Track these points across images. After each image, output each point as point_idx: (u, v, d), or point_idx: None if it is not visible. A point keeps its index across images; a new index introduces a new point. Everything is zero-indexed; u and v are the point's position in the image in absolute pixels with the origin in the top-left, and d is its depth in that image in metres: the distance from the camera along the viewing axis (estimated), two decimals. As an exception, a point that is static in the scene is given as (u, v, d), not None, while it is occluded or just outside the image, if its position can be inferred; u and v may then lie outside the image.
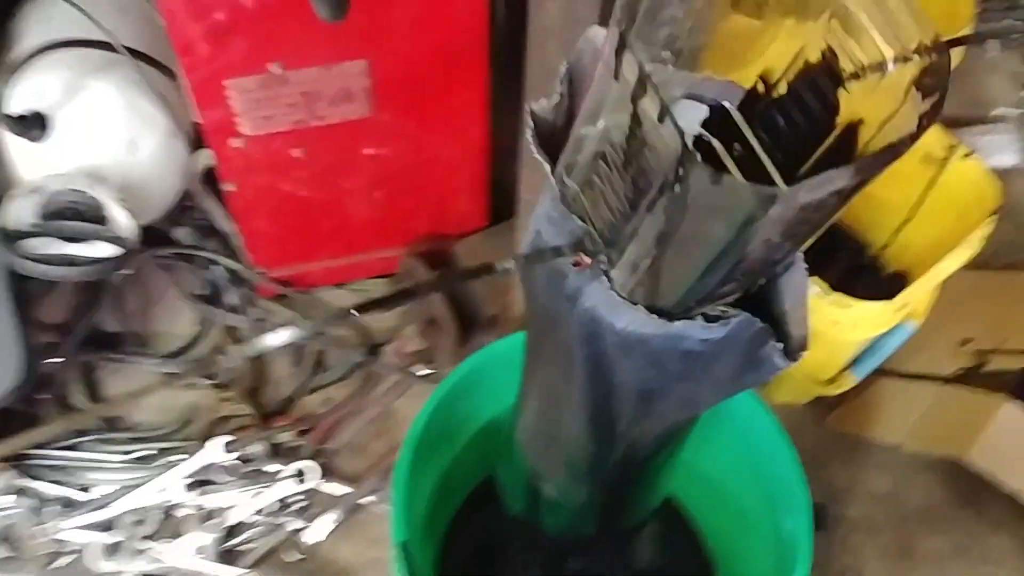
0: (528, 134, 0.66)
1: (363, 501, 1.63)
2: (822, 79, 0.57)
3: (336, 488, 1.64)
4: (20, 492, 1.58)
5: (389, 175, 1.62)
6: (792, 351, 0.65)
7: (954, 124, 2.24)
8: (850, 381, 1.64)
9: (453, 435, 1.32)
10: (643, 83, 0.49)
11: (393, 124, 1.51)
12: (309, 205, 1.63)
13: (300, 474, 1.62)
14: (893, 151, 0.50)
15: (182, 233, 1.81)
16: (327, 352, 1.79)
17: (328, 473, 1.65)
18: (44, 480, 1.60)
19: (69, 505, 1.59)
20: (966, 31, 1.72)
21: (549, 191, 0.66)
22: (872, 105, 0.54)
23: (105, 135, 1.52)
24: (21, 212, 1.43)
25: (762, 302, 0.67)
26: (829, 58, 0.56)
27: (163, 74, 1.60)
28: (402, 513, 1.10)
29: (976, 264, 1.57)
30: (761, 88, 0.60)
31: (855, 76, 0.54)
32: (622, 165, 0.56)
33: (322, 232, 1.71)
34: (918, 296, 1.50)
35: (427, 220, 1.76)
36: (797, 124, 0.59)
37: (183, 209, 1.82)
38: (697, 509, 1.49)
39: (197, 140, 1.62)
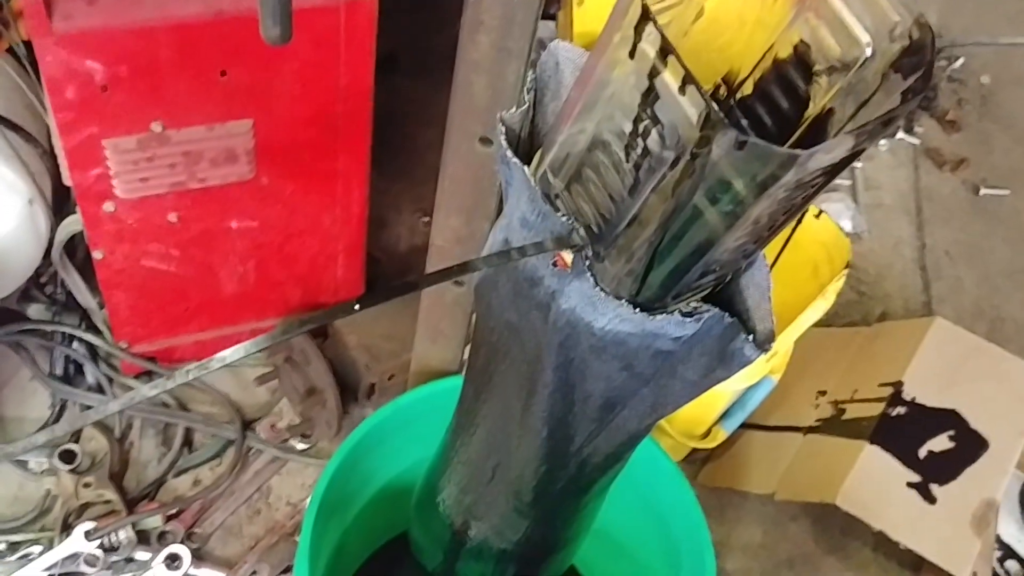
0: (501, 139, 0.67)
1: (240, 585, 1.55)
2: (793, 74, 0.61)
3: (211, 574, 1.55)
4: None
5: (265, 242, 1.59)
6: (760, 343, 0.68)
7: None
8: (721, 435, 1.70)
9: (352, 499, 1.28)
10: (664, 53, 0.52)
11: (274, 187, 1.49)
12: (180, 275, 1.57)
13: (172, 560, 1.52)
14: (886, 121, 0.54)
15: (36, 310, 1.71)
16: (195, 431, 1.70)
17: (201, 559, 1.56)
18: None
19: (-94, 610, 1.43)
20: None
21: (526, 194, 0.67)
22: (843, 93, 0.59)
23: (-40, 201, 1.43)
24: None
25: (725, 303, 0.70)
26: (802, 51, 0.60)
27: (24, 140, 1.53)
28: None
29: (822, 323, 1.69)
30: (723, 91, 0.65)
31: (830, 70, 0.59)
32: (623, 151, 0.59)
33: (192, 304, 1.65)
34: (783, 347, 1.59)
35: (302, 290, 1.73)
36: (764, 123, 0.63)
37: (37, 284, 1.72)
38: (587, 568, 1.49)
39: (59, 208, 1.55)
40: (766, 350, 0.69)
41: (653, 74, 0.54)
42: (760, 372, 1.59)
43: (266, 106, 1.37)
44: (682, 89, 0.52)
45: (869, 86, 0.57)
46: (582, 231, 0.66)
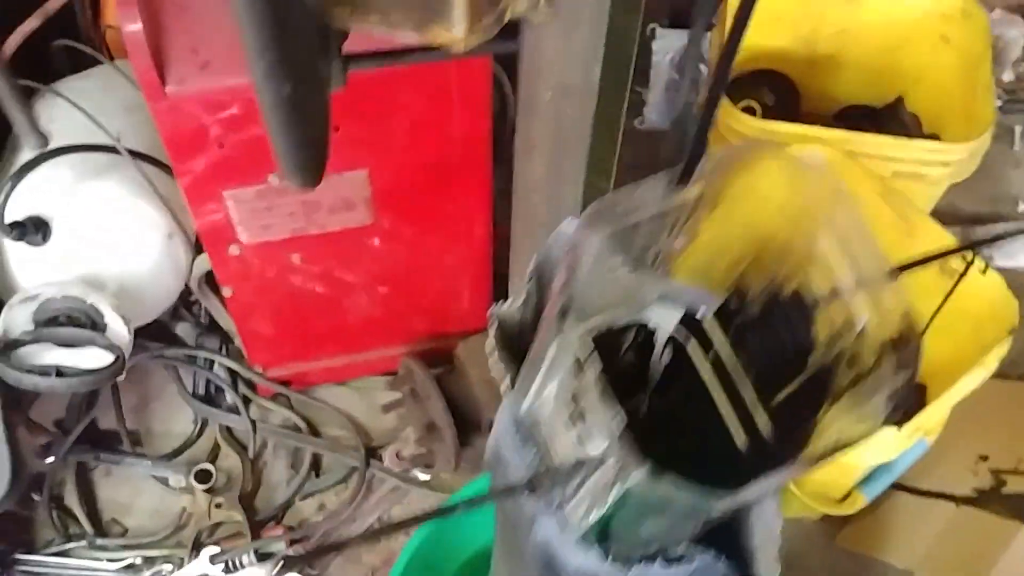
0: (490, 336, 0.63)
1: (356, 614, 1.58)
2: (793, 313, 0.54)
3: (327, 601, 1.60)
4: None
5: (389, 278, 1.59)
6: None
7: (975, 221, 2.21)
8: (861, 501, 1.58)
9: (440, 567, 1.27)
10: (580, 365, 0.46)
11: (394, 230, 1.49)
12: (307, 308, 1.61)
13: (290, 586, 1.57)
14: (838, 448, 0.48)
15: (183, 328, 1.79)
16: (323, 456, 1.75)
17: (320, 585, 1.61)
18: (30, 589, 1.56)
19: (54, 615, 1.55)
20: (987, 131, 1.69)
21: (509, 409, 0.63)
22: (847, 358, 0.51)
23: (105, 238, 1.50)
24: (15, 320, 1.42)
25: (732, 532, 0.62)
26: (799, 296, 0.53)
27: (166, 173, 1.59)
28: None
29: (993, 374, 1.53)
30: (735, 303, 0.57)
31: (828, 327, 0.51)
32: (568, 416, 0.53)
33: (321, 333, 1.68)
34: (938, 415, 1.45)
35: (428, 320, 1.73)
36: (769, 351, 0.56)
37: (187, 303, 1.80)
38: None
39: (198, 241, 1.61)
40: None
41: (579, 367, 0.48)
42: (901, 446, 1.45)
43: (381, 157, 1.36)
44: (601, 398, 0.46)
45: (866, 362, 0.49)
46: (550, 469, 0.60)
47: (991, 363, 1.43)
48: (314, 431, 1.77)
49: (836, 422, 0.54)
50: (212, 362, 1.77)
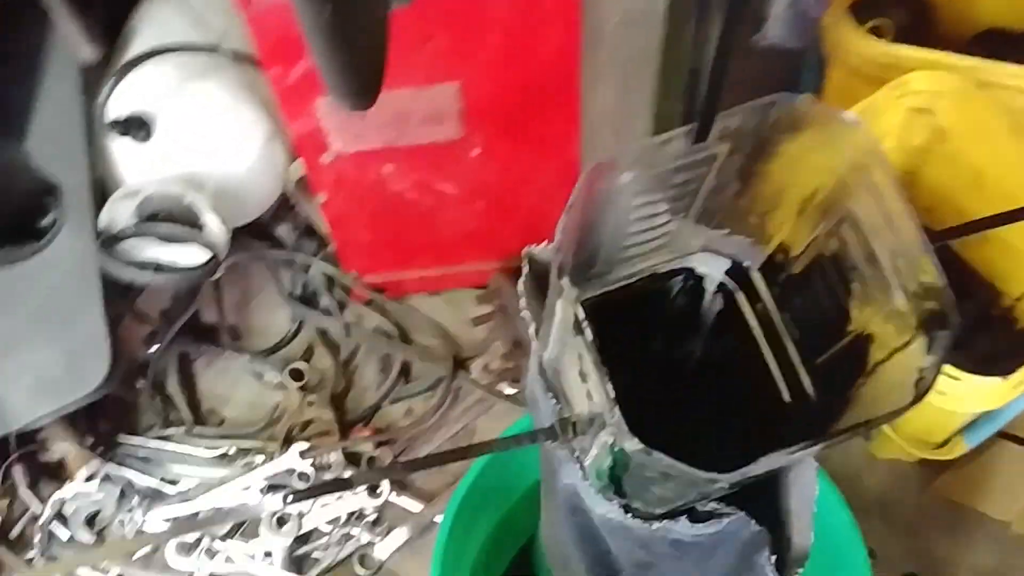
0: (521, 282, 0.60)
1: (436, 519, 1.61)
2: (831, 278, 0.49)
3: (410, 504, 1.63)
4: (108, 479, 1.63)
5: (481, 194, 1.57)
6: (789, 564, 0.57)
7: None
8: (961, 447, 1.50)
9: (513, 484, 1.27)
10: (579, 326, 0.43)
11: (484, 147, 1.46)
12: (400, 218, 1.60)
13: (374, 488, 1.61)
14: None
15: (283, 229, 1.82)
16: (414, 363, 1.77)
17: (403, 488, 1.64)
18: (133, 469, 1.65)
19: (154, 496, 1.64)
20: None
21: (535, 354, 0.60)
22: (884, 328, 0.47)
23: (207, 138, 1.53)
24: (119, 215, 1.46)
25: (768, 492, 0.59)
26: (840, 262, 0.48)
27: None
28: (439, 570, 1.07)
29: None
30: (780, 258, 0.53)
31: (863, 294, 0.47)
32: (578, 372, 0.50)
33: (414, 243, 1.68)
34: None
35: (520, 237, 1.69)
36: (810, 313, 0.52)
37: (287, 206, 1.83)
38: None
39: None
40: (792, 574, 0.58)
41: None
42: (1006, 397, 1.37)
43: (472, 71, 1.32)
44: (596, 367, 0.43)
45: (899, 338, 0.44)
46: (569, 421, 0.57)
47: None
48: (405, 338, 1.79)
49: (872, 393, 0.50)
50: (309, 265, 1.80)
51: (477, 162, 1.49)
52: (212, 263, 1.45)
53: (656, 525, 0.56)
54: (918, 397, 0.44)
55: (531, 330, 0.61)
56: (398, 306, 1.81)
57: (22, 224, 1.57)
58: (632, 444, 0.43)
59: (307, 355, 1.79)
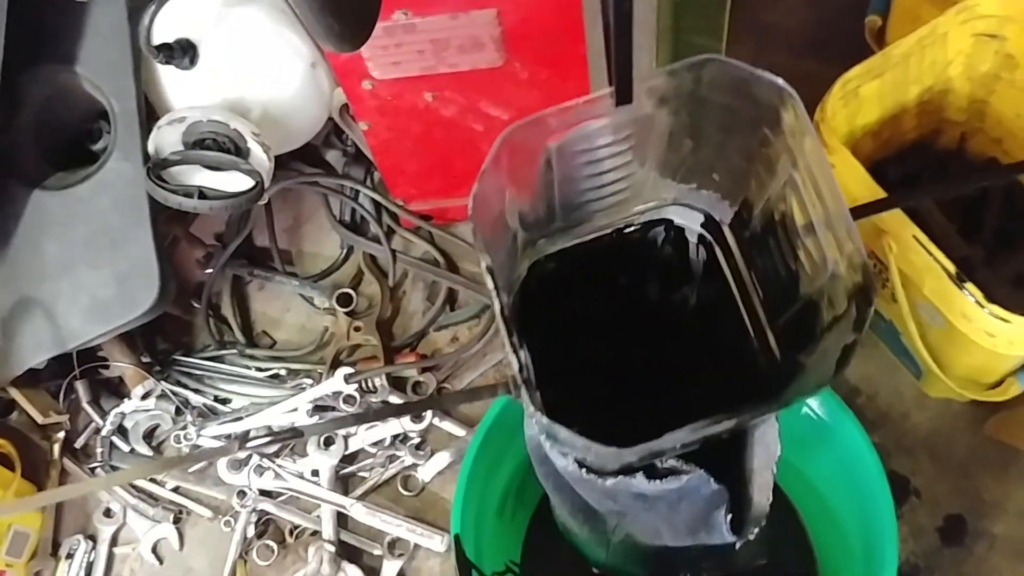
0: (472, 234, 0.59)
1: (477, 445, 1.64)
2: (782, 241, 0.47)
3: (453, 428, 1.66)
4: (164, 396, 1.69)
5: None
6: (746, 522, 0.56)
7: None
8: (1015, 389, 1.46)
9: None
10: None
11: (526, 73, 1.43)
12: (444, 145, 1.60)
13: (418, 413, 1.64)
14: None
15: (333, 155, 1.83)
16: (459, 291, 1.78)
17: (446, 413, 1.67)
18: (188, 388, 1.71)
19: (207, 414, 1.69)
20: None
21: (496, 305, 0.59)
22: (826, 297, 0.45)
23: (250, 65, 1.53)
24: (165, 140, 1.48)
25: (732, 450, 0.58)
26: (787, 225, 0.46)
27: (311, 3, 1.58)
28: (460, 506, 1.09)
29: None
30: (745, 215, 0.51)
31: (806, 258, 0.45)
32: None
33: (459, 171, 1.67)
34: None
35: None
36: (770, 273, 0.50)
37: (337, 131, 1.83)
38: (807, 515, 1.40)
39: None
40: (745, 536, 0.56)
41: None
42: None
43: (509, -5, 1.29)
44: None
45: (840, 304, 0.42)
46: (527, 370, 0.56)
47: None
48: (452, 266, 1.80)
49: (817, 360, 0.49)
50: (358, 192, 1.81)
51: (519, 91, 1.46)
52: (256, 190, 1.47)
53: (612, 481, 0.56)
54: (837, 372, 0.43)
55: (489, 283, 0.60)
56: (444, 234, 1.81)
57: (76, 149, 1.61)
58: (538, 416, 0.43)
59: (355, 281, 1.81)
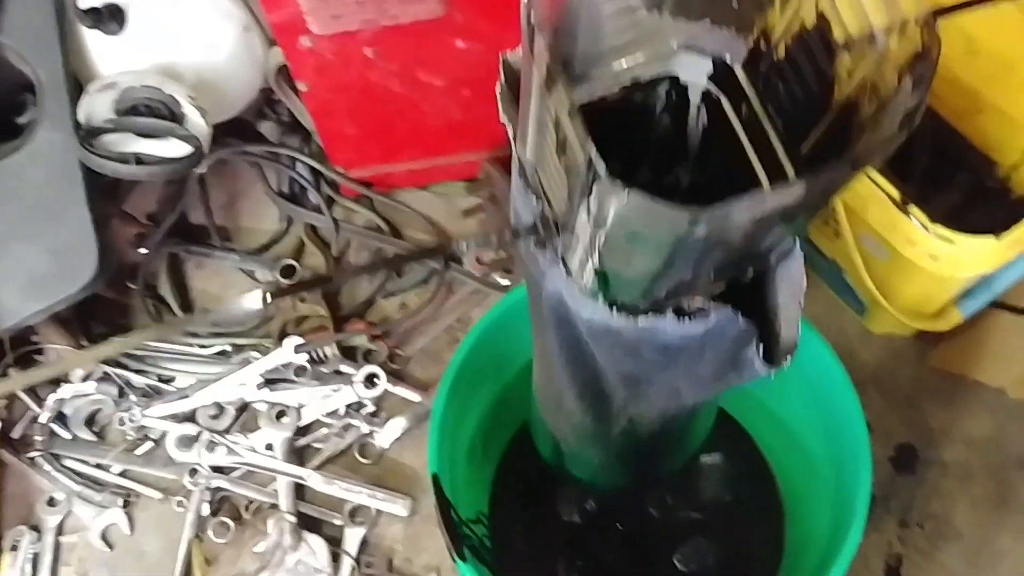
0: (498, 88, 0.58)
1: (433, 408, 1.62)
2: (816, 47, 0.47)
3: (407, 394, 1.64)
4: (105, 378, 1.63)
5: (468, 78, 1.54)
6: (778, 355, 0.56)
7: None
8: (956, 318, 1.51)
9: (509, 357, 1.27)
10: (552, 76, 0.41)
11: (468, 25, 1.42)
12: (385, 107, 1.58)
13: (372, 378, 1.61)
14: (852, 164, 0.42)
15: (267, 127, 1.79)
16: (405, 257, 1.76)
17: (400, 379, 1.65)
18: (129, 369, 1.65)
19: (152, 394, 1.64)
20: None
21: (515, 157, 0.59)
22: (871, 83, 0.45)
23: (181, 29, 1.50)
24: (97, 108, 1.44)
25: (756, 293, 0.58)
26: (822, 24, 0.46)
27: (242, -35, 1.55)
28: (436, 445, 1.07)
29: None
30: (763, 46, 0.51)
31: (847, 47, 0.45)
32: (555, 148, 0.49)
33: (401, 135, 1.66)
34: (1032, 232, 1.35)
35: (511, 124, 1.68)
36: (795, 93, 0.50)
37: (270, 102, 1.80)
38: (768, 448, 1.42)
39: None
40: (779, 366, 0.57)
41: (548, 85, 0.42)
42: (1000, 259, 1.36)
43: (450, -60, 1.28)
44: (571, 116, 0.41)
45: (888, 85, 0.42)
46: (551, 217, 0.56)
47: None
48: (396, 233, 1.78)
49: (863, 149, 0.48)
50: (295, 161, 1.77)
51: (461, 44, 1.45)
52: (195, 155, 1.43)
53: (643, 323, 0.55)
54: (904, 131, 0.42)
55: (509, 133, 0.59)
56: (387, 201, 1.79)
57: (2, 122, 1.55)
58: (616, 191, 0.42)
59: (297, 253, 1.78)
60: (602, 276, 0.54)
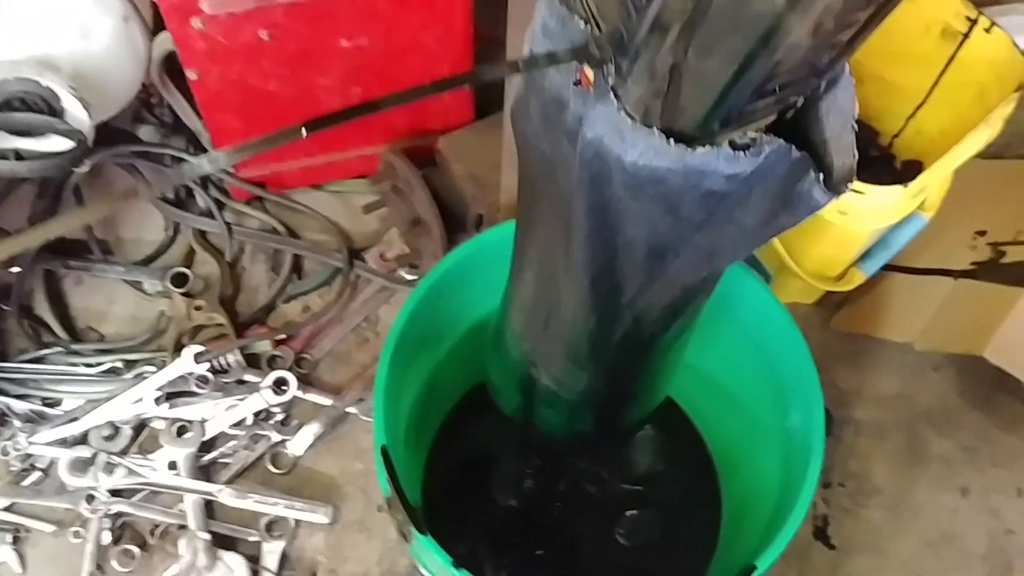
0: None
1: (349, 410, 1.54)
2: None
3: (318, 399, 1.55)
4: (-19, 407, 1.48)
5: (365, 65, 1.50)
6: (836, 184, 0.55)
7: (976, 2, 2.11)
8: (859, 278, 1.55)
9: (439, 336, 1.23)
10: None
11: (366, 4, 1.38)
12: (280, 98, 1.51)
13: (279, 385, 1.52)
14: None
15: (146, 131, 1.69)
16: (305, 258, 1.68)
17: (309, 384, 1.56)
18: (8, 394, 1.50)
19: (37, 420, 1.50)
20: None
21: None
22: None
23: (56, 18, 1.39)
24: (-35, 102, 1.31)
25: (798, 131, 0.56)
26: None
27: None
28: (382, 417, 1.01)
29: (990, 154, 1.49)
30: None
31: None
32: None
33: (296, 128, 1.59)
34: (936, 180, 1.41)
35: (408, 116, 1.64)
36: None
37: (147, 106, 1.70)
38: (697, 412, 1.41)
39: (156, 26, 1.49)
40: (840, 192, 0.56)
41: None
42: (907, 208, 1.41)
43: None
44: None
45: None
46: (603, 38, 0.53)
47: (996, 123, 1.37)
48: (293, 236, 1.70)
49: None
50: (181, 163, 1.68)
51: (360, 25, 1.41)
52: (79, 150, 1.33)
53: (699, 154, 0.52)
54: None
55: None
56: (281, 202, 1.71)
57: None
58: None
59: (188, 261, 1.67)
60: (675, 83, 0.50)
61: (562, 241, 0.66)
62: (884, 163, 1.68)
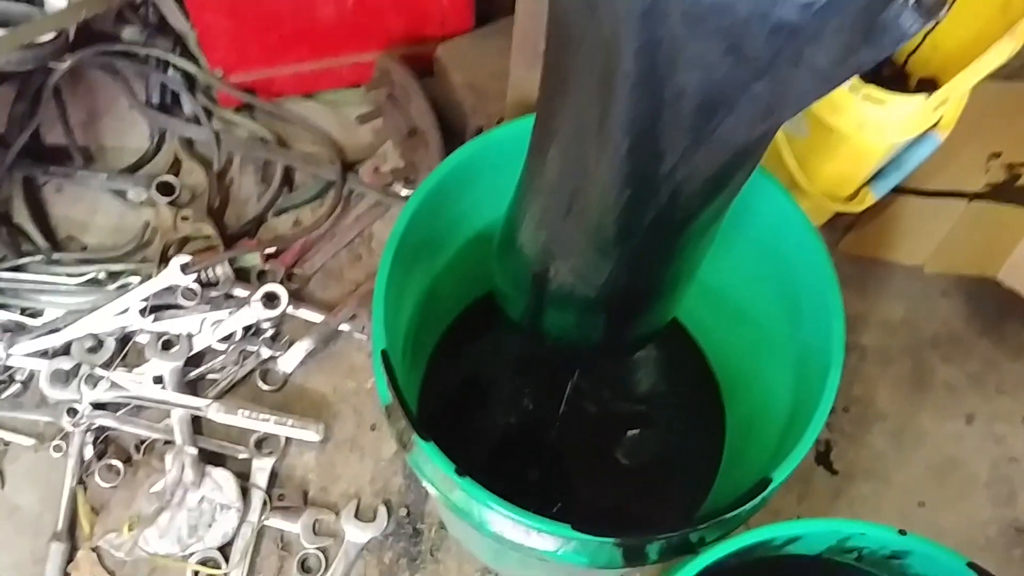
0: None
1: (341, 328, 1.49)
2: None
3: (309, 315, 1.50)
4: (-42, 316, 1.42)
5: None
6: (928, 7, 0.49)
7: None
8: (870, 198, 1.50)
9: (440, 243, 1.17)
10: None
11: None
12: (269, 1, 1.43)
13: (271, 299, 1.47)
14: None
15: (130, 32, 1.61)
16: (296, 170, 1.62)
17: (300, 300, 1.51)
18: (-14, 304, 1.45)
19: (16, 330, 1.44)
20: None
21: None
22: None
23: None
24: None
25: None
26: None
27: None
28: (381, 320, 0.96)
29: (1005, 76, 1.43)
30: None
31: None
32: None
33: (288, 31, 1.52)
34: (956, 93, 1.35)
35: (406, 21, 1.57)
36: None
37: (132, 6, 1.62)
38: (701, 330, 1.37)
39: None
40: (935, 15, 0.50)
41: None
42: (927, 120, 1.35)
43: None
44: None
45: None
46: None
47: (1021, 34, 1.31)
48: (283, 145, 1.63)
49: None
50: (167, 66, 1.60)
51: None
52: (61, 39, 1.25)
53: None
54: None
55: None
56: (272, 111, 1.64)
57: None
58: None
59: (174, 170, 1.61)
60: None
61: (596, 103, 0.60)
62: (898, 82, 1.62)
